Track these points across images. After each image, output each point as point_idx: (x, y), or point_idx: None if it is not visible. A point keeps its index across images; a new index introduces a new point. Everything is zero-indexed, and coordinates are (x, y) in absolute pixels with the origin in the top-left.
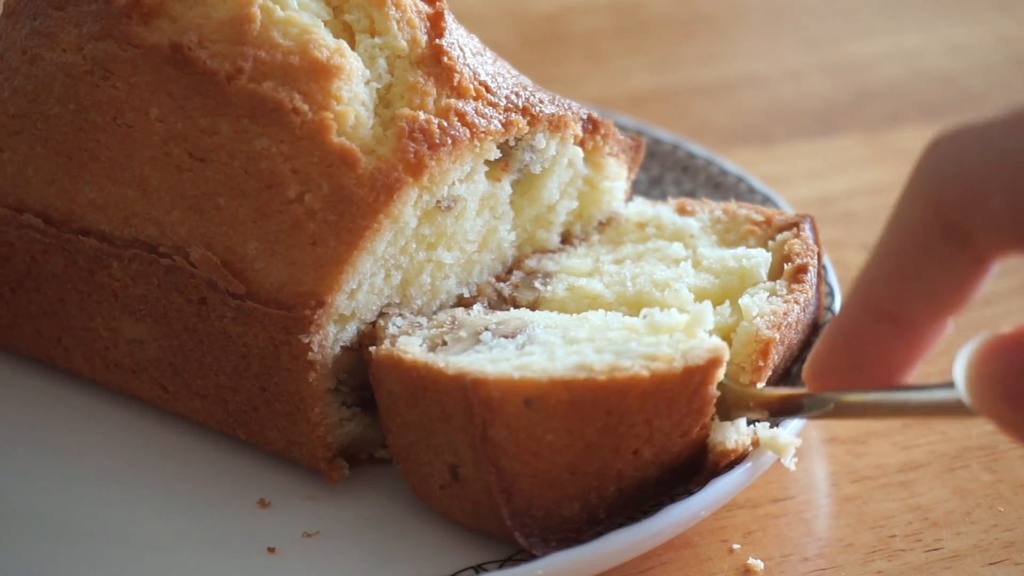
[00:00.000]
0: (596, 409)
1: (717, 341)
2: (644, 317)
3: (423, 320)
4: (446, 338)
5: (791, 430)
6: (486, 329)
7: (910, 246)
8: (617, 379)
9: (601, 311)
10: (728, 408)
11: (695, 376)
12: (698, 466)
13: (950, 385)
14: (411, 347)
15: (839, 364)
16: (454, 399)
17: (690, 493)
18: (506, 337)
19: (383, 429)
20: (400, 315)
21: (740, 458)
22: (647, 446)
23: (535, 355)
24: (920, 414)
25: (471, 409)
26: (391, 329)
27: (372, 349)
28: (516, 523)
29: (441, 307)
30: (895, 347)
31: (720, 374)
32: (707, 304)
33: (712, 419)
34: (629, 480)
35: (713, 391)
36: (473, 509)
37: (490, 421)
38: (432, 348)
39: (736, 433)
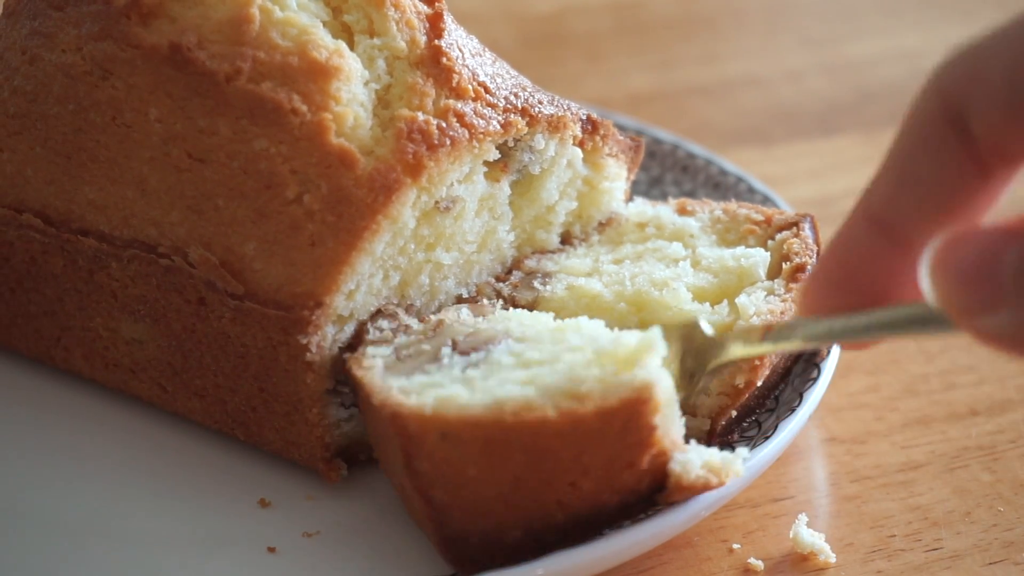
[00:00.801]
0: (510, 447)
1: (648, 376)
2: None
3: (413, 322)
4: (410, 351)
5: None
6: (451, 341)
7: (914, 142)
8: (524, 420)
9: (584, 317)
10: (703, 359)
11: (615, 417)
12: (662, 486)
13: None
14: (369, 360)
15: (832, 280)
16: (384, 419)
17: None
18: (463, 354)
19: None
20: (391, 316)
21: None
22: (585, 479)
23: (472, 380)
24: (891, 333)
25: (393, 433)
26: (371, 334)
27: (346, 356)
28: (448, 549)
29: (440, 308)
30: (888, 264)
31: (654, 410)
32: (656, 329)
33: (684, 443)
34: (577, 507)
35: (653, 422)
36: (430, 528)
37: (413, 453)
38: (396, 359)
39: (699, 457)
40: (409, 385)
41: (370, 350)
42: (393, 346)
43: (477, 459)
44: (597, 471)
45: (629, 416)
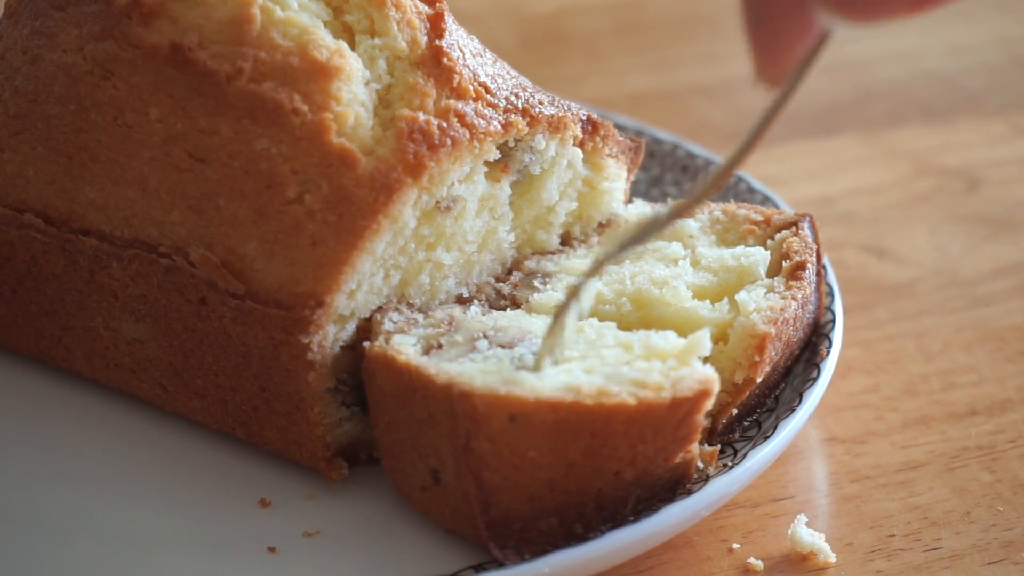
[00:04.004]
0: (580, 431)
1: (709, 372)
2: (637, 333)
3: (419, 317)
4: (442, 340)
5: (788, 432)
6: (484, 336)
7: None
8: (603, 404)
9: (594, 320)
10: None
11: (683, 407)
12: (681, 485)
13: None
14: (405, 347)
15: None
16: (441, 407)
17: (690, 493)
18: (502, 347)
19: (372, 424)
20: (397, 310)
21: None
22: (629, 468)
23: (528, 368)
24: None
25: (456, 419)
26: (387, 325)
27: (365, 345)
28: (492, 534)
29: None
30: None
31: (709, 404)
32: (705, 332)
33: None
34: (609, 498)
35: (700, 420)
36: (451, 514)
37: (474, 433)
38: (427, 350)
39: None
40: (464, 370)
41: (397, 338)
42: (416, 336)
43: (541, 442)
44: (642, 462)
45: (692, 407)
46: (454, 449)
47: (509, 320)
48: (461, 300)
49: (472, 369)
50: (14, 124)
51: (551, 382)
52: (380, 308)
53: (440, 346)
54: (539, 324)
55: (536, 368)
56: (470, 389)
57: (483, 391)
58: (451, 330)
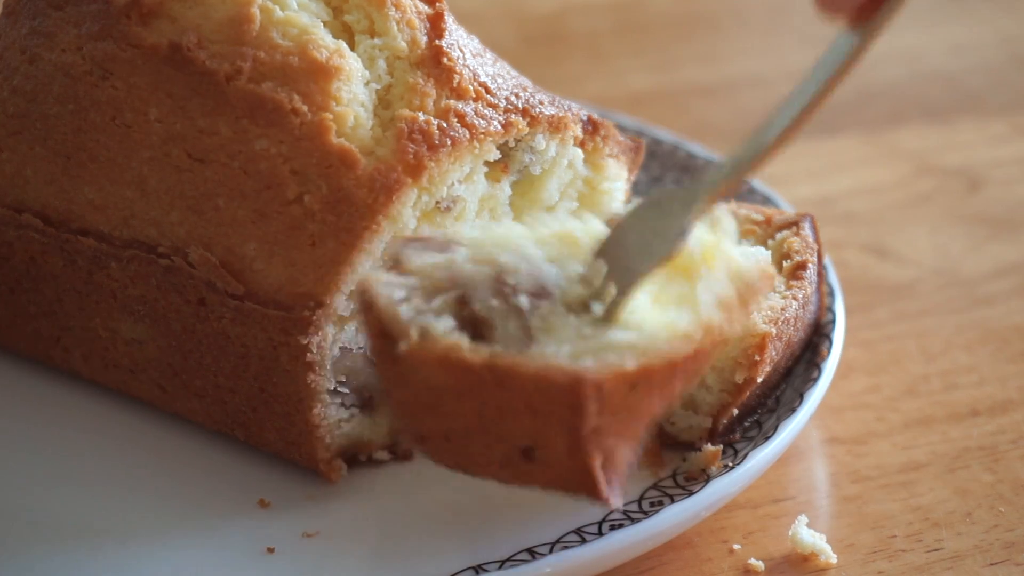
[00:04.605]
0: (690, 370)
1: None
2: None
3: (413, 280)
4: (483, 314)
5: (788, 433)
6: (515, 290)
7: None
8: (711, 340)
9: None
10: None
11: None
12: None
13: None
14: (455, 336)
15: None
16: (547, 396)
17: (690, 493)
18: (535, 297)
19: (404, 413)
20: (388, 280)
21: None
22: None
23: (597, 327)
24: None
25: (573, 405)
26: (406, 314)
27: (405, 344)
28: (611, 489)
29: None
30: None
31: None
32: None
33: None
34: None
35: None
36: (548, 482)
37: (594, 412)
38: (473, 335)
39: None
40: (557, 353)
41: (436, 326)
42: (448, 317)
43: (658, 395)
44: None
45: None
46: (568, 432)
47: (504, 253)
48: None
49: (565, 353)
50: (12, 124)
51: (651, 332)
52: (377, 285)
53: (483, 319)
54: (530, 248)
55: (614, 321)
56: (584, 375)
57: (600, 376)
58: (466, 291)
